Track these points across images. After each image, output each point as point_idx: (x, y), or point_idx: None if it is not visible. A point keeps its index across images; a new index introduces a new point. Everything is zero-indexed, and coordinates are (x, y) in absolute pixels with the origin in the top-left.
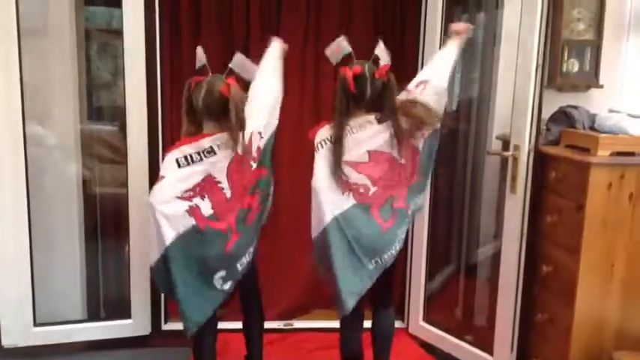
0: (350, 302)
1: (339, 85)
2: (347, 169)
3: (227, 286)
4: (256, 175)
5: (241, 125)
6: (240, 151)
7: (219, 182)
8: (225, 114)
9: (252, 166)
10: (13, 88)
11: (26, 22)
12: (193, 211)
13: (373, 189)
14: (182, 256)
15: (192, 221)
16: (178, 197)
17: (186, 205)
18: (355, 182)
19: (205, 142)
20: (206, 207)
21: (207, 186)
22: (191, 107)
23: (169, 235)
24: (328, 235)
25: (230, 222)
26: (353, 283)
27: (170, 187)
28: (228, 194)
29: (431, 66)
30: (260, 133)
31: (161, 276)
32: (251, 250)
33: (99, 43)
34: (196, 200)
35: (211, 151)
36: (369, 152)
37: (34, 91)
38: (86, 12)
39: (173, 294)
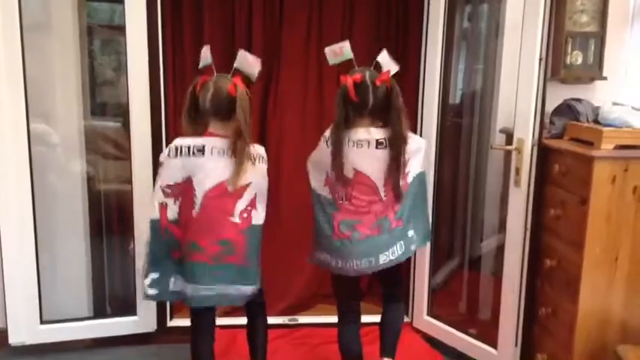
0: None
1: (340, 94)
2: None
3: (152, 291)
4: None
5: (247, 125)
6: (235, 155)
7: (194, 195)
8: (232, 114)
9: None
10: (17, 85)
11: (28, 18)
12: (162, 208)
13: (345, 202)
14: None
15: (157, 216)
16: (161, 187)
17: (162, 198)
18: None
19: (201, 140)
20: (173, 210)
21: (184, 191)
22: (195, 107)
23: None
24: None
25: (190, 236)
26: None
27: (163, 177)
28: (195, 211)
29: None
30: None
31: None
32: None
33: (101, 39)
34: (169, 200)
35: (201, 150)
36: (355, 170)
37: (36, 88)
38: (88, 8)
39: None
